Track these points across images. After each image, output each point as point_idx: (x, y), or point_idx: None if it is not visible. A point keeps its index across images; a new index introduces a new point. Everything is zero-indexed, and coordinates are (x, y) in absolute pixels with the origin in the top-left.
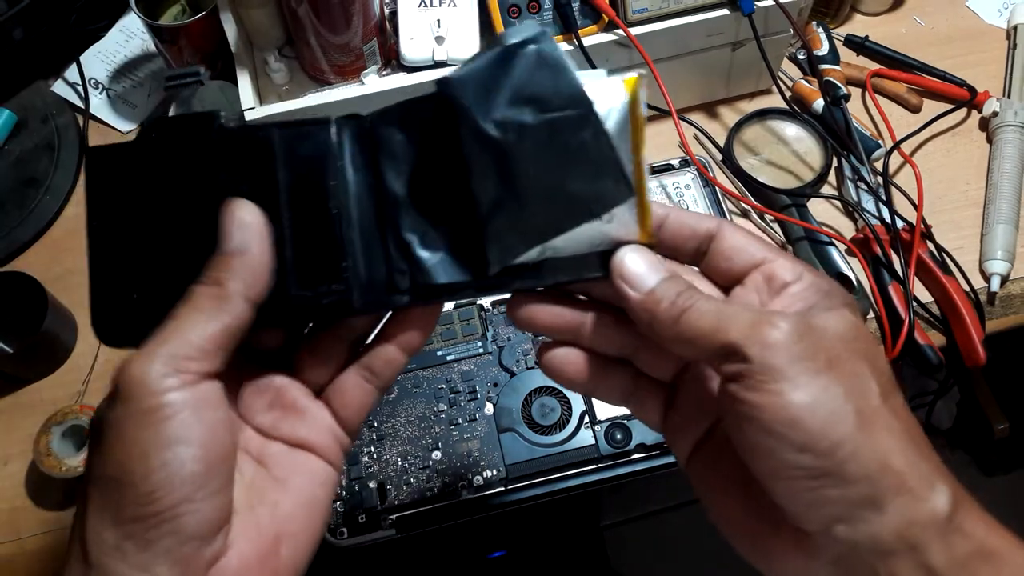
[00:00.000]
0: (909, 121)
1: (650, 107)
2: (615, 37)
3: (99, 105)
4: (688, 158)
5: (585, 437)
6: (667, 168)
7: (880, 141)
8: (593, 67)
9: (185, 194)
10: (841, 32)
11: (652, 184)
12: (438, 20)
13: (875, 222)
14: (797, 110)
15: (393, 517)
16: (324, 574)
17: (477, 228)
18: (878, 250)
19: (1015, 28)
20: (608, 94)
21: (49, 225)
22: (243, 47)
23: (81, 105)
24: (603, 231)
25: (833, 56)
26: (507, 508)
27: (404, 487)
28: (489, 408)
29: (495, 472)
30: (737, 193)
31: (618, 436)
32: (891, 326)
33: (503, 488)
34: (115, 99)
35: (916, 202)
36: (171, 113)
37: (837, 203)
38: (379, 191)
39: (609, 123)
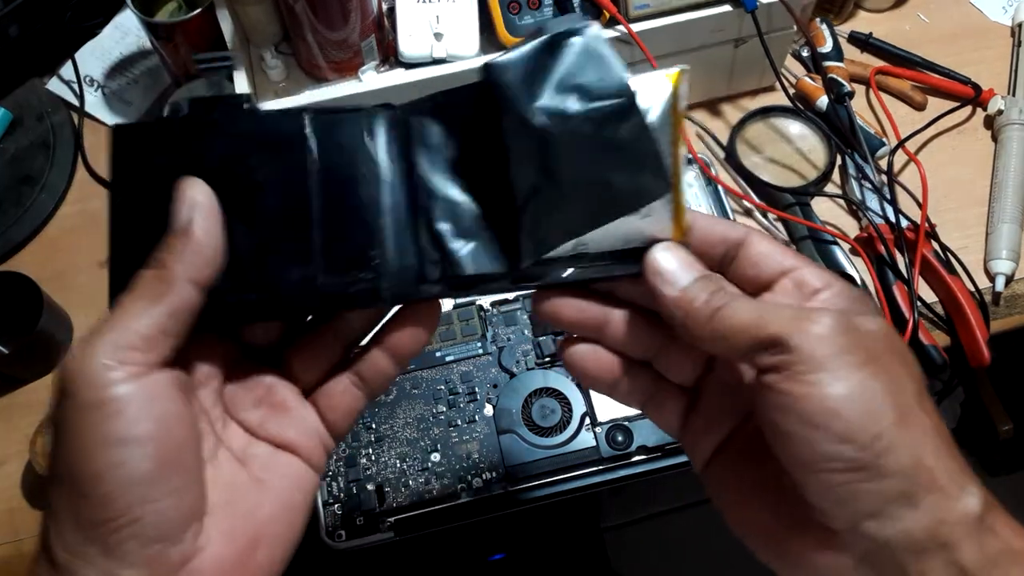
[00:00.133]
0: (913, 119)
1: None
2: (616, 33)
3: (95, 103)
4: (690, 156)
5: (586, 439)
6: None
7: (884, 139)
8: None
9: (212, 175)
10: (845, 29)
11: None
12: (437, 16)
13: (879, 221)
14: (801, 108)
15: (392, 519)
16: None
17: (512, 218)
18: (882, 249)
19: (1019, 26)
20: (651, 87)
21: (44, 224)
22: (239, 44)
23: (76, 103)
24: (638, 227)
25: (837, 53)
26: (507, 510)
27: (403, 489)
28: (489, 409)
29: (495, 474)
30: (740, 191)
31: (619, 438)
32: (895, 326)
33: (503, 490)
34: (110, 97)
35: (920, 201)
36: (165, 113)
37: (841, 202)
38: (412, 180)
39: (651, 116)
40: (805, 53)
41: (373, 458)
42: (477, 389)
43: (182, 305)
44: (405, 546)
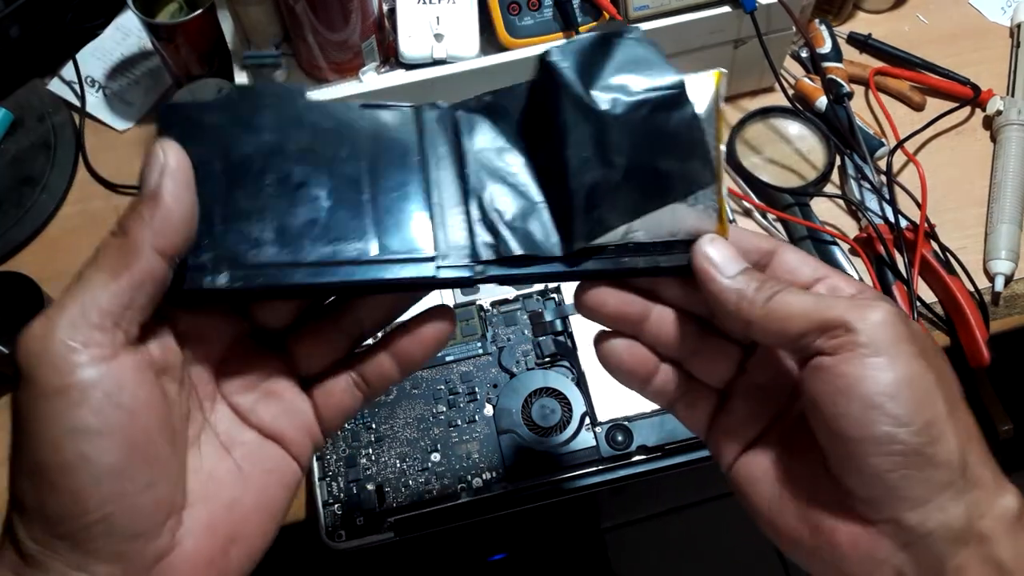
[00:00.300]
0: (913, 119)
1: None
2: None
3: (96, 103)
4: None
5: (586, 439)
6: None
7: (883, 139)
8: None
9: (261, 158)
10: (844, 30)
11: None
12: (437, 17)
13: (878, 221)
14: (800, 108)
15: (392, 519)
16: None
17: (566, 202)
18: (881, 249)
19: (1018, 26)
20: (697, 84)
21: (45, 224)
22: (240, 44)
23: (78, 103)
24: (685, 216)
25: (836, 54)
26: (507, 510)
27: (403, 489)
28: (489, 409)
29: (495, 474)
30: (739, 192)
31: (619, 438)
32: None
33: (503, 490)
34: (112, 97)
35: (920, 201)
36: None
37: (840, 202)
38: (462, 168)
39: (698, 110)
40: (804, 54)
41: (373, 458)
42: (477, 389)
43: (145, 276)
44: (405, 546)
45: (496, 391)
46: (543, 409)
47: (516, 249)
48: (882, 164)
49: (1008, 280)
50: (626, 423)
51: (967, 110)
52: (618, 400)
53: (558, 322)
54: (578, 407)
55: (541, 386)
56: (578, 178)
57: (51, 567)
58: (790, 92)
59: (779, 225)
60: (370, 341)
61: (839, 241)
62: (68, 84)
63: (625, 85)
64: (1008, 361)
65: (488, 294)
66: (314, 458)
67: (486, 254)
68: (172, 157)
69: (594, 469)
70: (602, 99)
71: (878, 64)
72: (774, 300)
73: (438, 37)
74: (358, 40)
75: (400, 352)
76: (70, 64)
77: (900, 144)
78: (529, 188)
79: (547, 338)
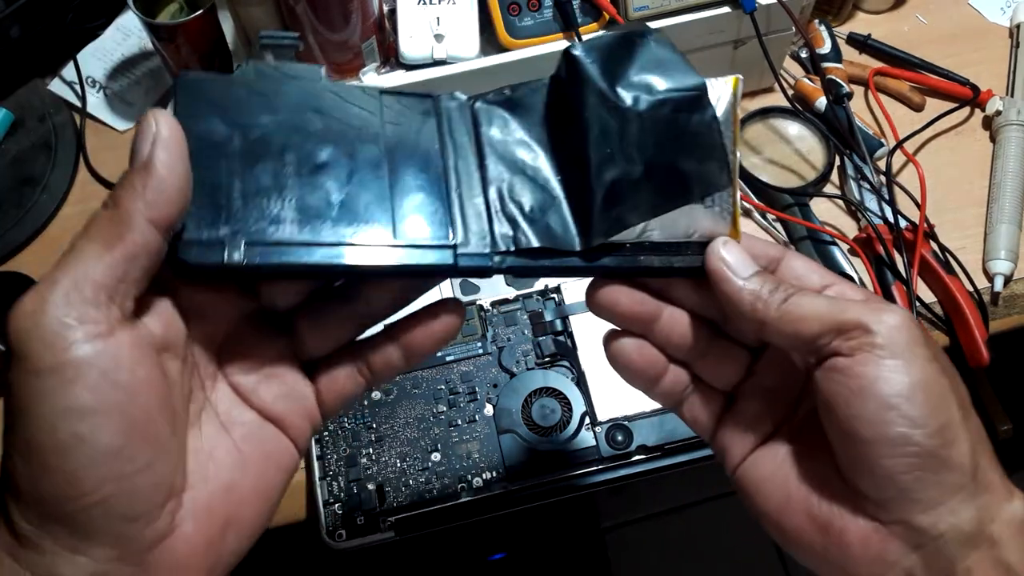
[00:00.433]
0: (912, 120)
1: None
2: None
3: (96, 104)
4: None
5: (586, 438)
6: None
7: (883, 140)
8: None
9: (283, 135)
10: (843, 30)
11: None
12: (437, 18)
13: (878, 221)
14: (799, 109)
15: (392, 519)
16: None
17: (586, 197)
18: (881, 250)
19: (1018, 27)
20: (716, 89)
21: (46, 225)
22: (241, 45)
23: (78, 104)
24: (700, 218)
25: (835, 54)
26: (507, 510)
27: (403, 489)
28: (489, 409)
29: (495, 474)
30: (739, 192)
31: (619, 437)
32: None
33: (503, 490)
34: (112, 98)
35: (919, 201)
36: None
37: (840, 202)
38: (482, 159)
39: (717, 114)
40: (804, 54)
41: (373, 458)
42: (477, 389)
43: (140, 248)
44: (405, 546)
45: (496, 391)
46: (543, 409)
47: (535, 241)
48: (881, 164)
49: (1007, 280)
50: (626, 423)
51: (966, 110)
52: (618, 400)
53: (558, 322)
54: (578, 407)
55: (541, 386)
56: (600, 173)
57: (46, 548)
58: (790, 92)
59: (779, 225)
60: (373, 329)
61: (838, 241)
62: (69, 84)
63: (648, 83)
64: (1007, 361)
65: (488, 294)
66: (315, 458)
67: (504, 245)
68: (164, 126)
69: (594, 469)
70: (626, 95)
71: (878, 64)
72: (789, 302)
73: (438, 38)
74: (358, 41)
75: (409, 342)
76: (71, 64)
77: (899, 144)
78: (549, 181)
79: (547, 338)
